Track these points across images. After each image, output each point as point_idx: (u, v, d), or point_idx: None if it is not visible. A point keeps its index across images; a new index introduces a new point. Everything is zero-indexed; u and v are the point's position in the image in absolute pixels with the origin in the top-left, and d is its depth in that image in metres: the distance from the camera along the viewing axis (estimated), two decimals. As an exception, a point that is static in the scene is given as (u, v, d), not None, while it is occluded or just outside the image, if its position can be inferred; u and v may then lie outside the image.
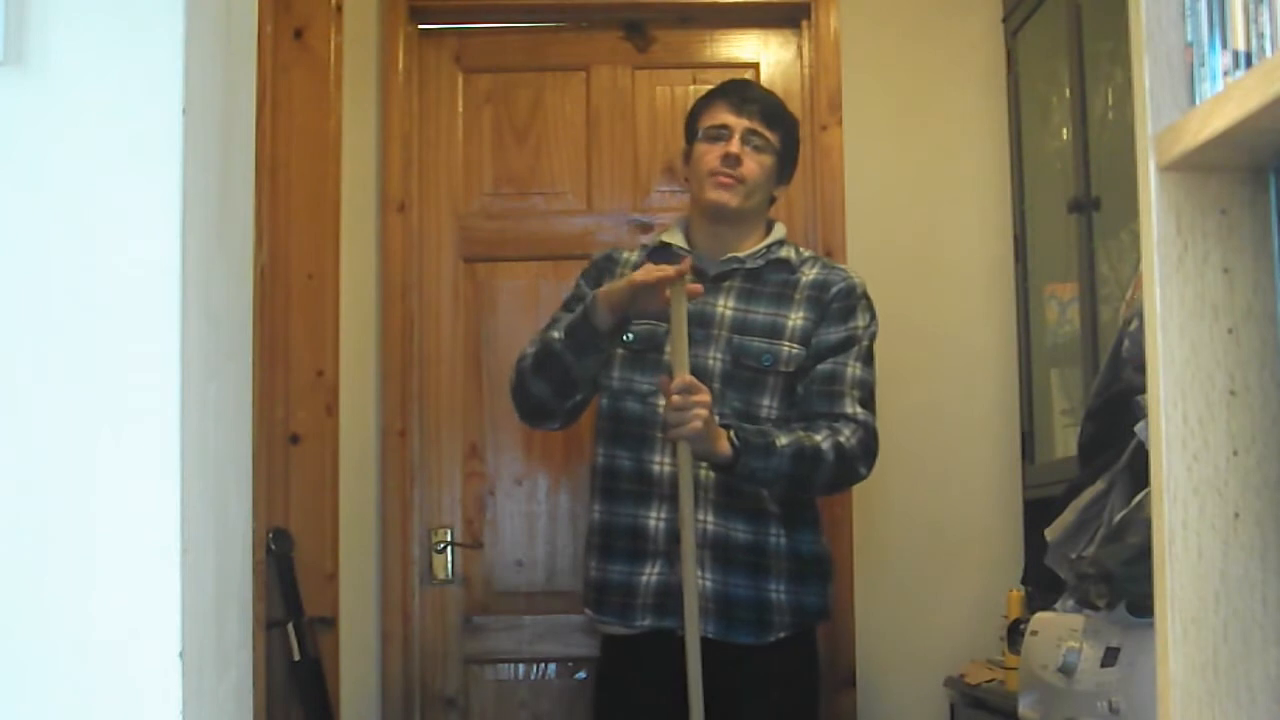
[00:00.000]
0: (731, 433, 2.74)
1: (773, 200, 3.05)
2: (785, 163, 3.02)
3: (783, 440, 2.77)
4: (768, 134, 2.97)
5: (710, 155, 2.95)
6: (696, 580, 2.75)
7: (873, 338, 2.95)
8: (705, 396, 2.69)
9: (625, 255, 3.09)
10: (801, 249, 3.08)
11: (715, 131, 2.97)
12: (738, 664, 2.83)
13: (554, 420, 3.02)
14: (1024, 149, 3.74)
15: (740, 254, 2.98)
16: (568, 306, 3.03)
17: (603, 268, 3.07)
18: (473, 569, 3.81)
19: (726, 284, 2.96)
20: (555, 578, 3.79)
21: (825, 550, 2.98)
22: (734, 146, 2.93)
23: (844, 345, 2.91)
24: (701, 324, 2.91)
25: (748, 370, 2.89)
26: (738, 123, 2.95)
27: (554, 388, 2.92)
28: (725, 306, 2.94)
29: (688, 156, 3.04)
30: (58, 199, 1.42)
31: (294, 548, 3.38)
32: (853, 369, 2.90)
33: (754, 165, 2.95)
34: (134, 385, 1.41)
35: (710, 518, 2.86)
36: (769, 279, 2.96)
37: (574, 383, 2.91)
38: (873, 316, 2.97)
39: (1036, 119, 3.69)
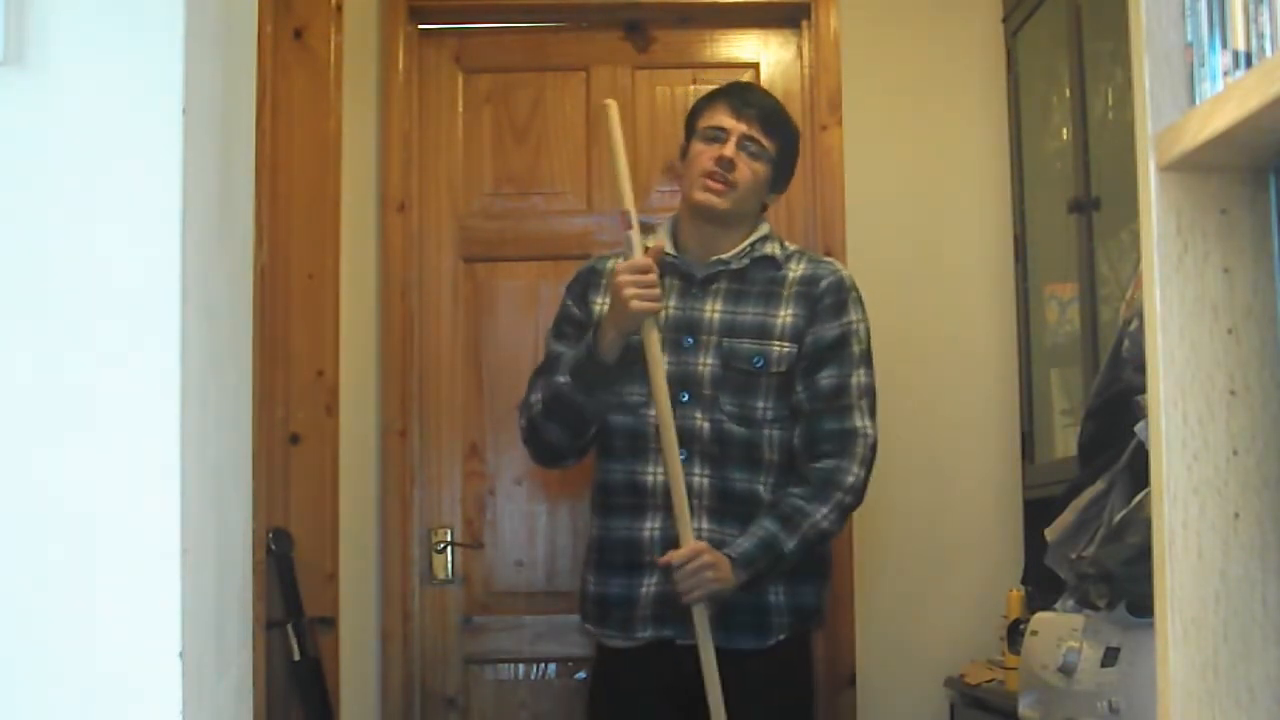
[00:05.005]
0: (737, 568, 2.77)
1: (764, 207, 3.02)
2: (781, 171, 2.99)
3: (790, 545, 2.79)
4: (765, 141, 2.94)
5: (705, 156, 2.93)
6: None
7: (868, 333, 2.94)
8: (709, 557, 2.74)
9: (609, 263, 3.02)
10: (787, 243, 3.05)
11: (712, 133, 2.95)
12: (737, 669, 2.82)
13: (569, 459, 3.04)
14: (1024, 149, 3.74)
15: (725, 255, 2.96)
16: (558, 328, 3.03)
17: (587, 280, 3.04)
18: (473, 569, 3.81)
19: (714, 286, 2.94)
20: (555, 578, 3.78)
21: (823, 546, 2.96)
22: (729, 150, 2.91)
23: (840, 343, 2.89)
24: (690, 329, 2.91)
25: (739, 373, 2.88)
26: (735, 126, 2.93)
27: (568, 429, 2.94)
28: (713, 310, 2.92)
29: (684, 152, 3.02)
30: (58, 199, 1.42)
31: (294, 548, 3.38)
32: (857, 378, 2.89)
33: (747, 171, 2.92)
34: (134, 385, 1.41)
35: (705, 525, 2.85)
36: (755, 278, 2.94)
37: (587, 421, 2.92)
38: (863, 309, 2.95)
39: (1036, 119, 3.69)
